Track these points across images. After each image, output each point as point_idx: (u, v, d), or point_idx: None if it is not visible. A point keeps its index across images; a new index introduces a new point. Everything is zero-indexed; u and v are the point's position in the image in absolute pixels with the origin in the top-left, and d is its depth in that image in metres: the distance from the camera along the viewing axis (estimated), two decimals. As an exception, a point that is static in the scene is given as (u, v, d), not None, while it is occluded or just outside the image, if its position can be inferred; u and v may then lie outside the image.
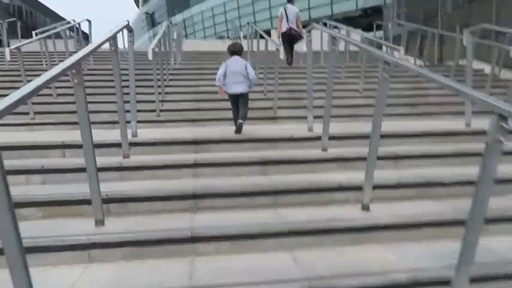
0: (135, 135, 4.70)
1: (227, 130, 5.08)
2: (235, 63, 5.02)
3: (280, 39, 9.38)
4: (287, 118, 6.31)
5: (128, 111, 4.34)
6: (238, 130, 4.80)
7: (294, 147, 4.58)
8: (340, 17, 27.64)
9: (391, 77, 4.31)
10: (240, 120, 4.84)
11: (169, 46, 9.16)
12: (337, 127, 4.72)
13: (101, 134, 4.39)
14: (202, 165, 4.04)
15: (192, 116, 6.43)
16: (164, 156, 4.24)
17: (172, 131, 5.29)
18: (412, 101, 7.11)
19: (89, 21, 10.89)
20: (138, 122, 4.88)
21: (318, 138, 4.40)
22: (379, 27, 12.95)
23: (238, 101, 5.00)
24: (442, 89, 6.59)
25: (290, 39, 9.41)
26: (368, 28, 13.91)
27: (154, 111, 6.28)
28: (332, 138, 4.34)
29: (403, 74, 8.23)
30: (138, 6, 54.45)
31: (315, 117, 4.92)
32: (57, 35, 9.66)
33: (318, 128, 4.61)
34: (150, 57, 5.79)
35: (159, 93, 6.72)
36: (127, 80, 4.56)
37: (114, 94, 4.07)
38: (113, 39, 3.82)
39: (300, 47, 9.45)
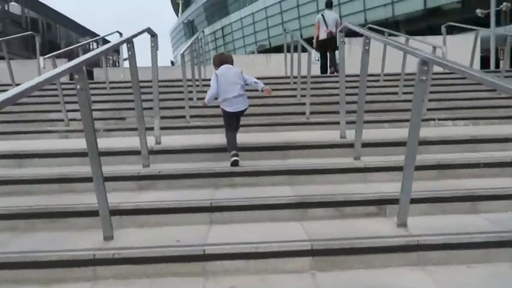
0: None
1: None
2: (228, 72, 4.16)
3: (316, 50, 7.79)
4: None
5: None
6: (234, 163, 3.91)
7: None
8: (402, 19, 24.73)
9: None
10: (236, 158, 3.91)
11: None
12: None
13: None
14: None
15: None
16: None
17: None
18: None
19: (120, 33, 9.66)
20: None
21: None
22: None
23: (237, 119, 4.31)
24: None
25: (327, 45, 8.63)
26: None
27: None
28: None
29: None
30: (177, 14, 52.29)
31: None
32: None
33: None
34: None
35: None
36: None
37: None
38: (129, 42, 3.68)
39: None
